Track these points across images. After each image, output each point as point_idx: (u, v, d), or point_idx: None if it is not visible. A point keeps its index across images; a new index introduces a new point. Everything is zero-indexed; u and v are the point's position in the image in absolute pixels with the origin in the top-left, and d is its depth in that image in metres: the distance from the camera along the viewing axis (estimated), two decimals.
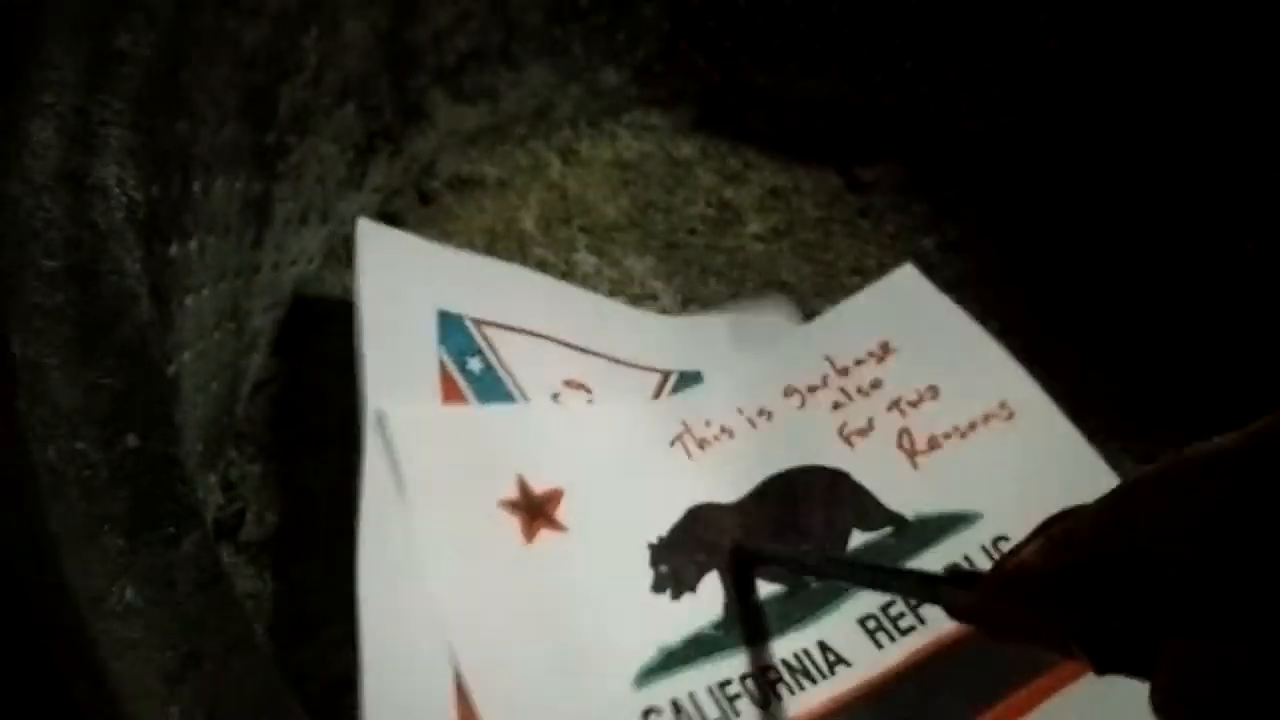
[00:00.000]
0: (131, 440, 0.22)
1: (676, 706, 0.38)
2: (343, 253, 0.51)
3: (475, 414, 0.43)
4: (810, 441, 0.47)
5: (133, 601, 0.19)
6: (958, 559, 0.45)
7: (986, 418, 0.49)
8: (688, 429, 0.46)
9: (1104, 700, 0.39)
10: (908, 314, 0.53)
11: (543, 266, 0.54)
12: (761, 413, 0.48)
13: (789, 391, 0.49)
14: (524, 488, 0.41)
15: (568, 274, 0.54)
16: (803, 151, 0.65)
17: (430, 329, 0.45)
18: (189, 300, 0.36)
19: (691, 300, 0.55)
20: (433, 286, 0.46)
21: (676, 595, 0.41)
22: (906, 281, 0.54)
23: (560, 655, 0.38)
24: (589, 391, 0.46)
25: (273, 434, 0.44)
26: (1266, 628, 0.22)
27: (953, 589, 0.31)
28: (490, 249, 0.54)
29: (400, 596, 0.37)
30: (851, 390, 0.49)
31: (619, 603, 0.41)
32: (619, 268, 0.56)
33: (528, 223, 0.57)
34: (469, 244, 0.54)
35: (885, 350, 0.51)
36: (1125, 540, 0.26)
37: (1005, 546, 0.45)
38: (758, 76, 0.63)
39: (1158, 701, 0.24)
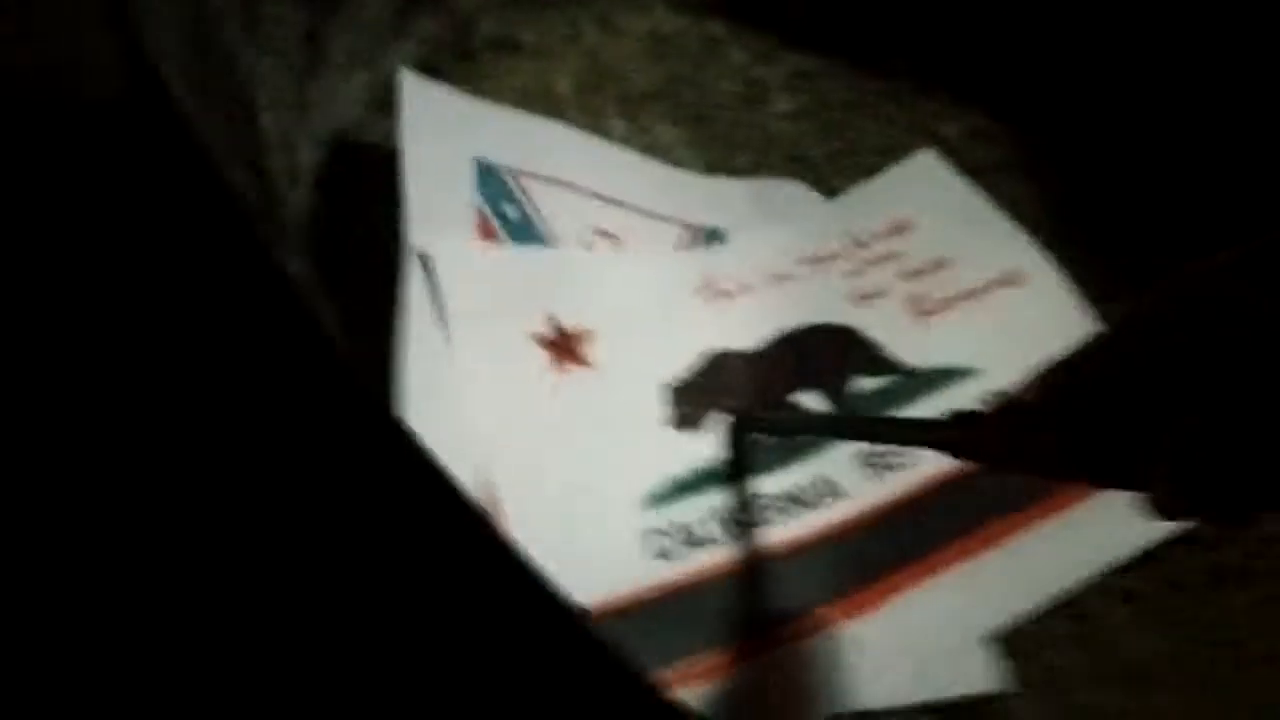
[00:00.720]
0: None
1: (679, 528, 0.42)
2: (386, 101, 0.53)
3: (511, 254, 0.46)
4: (824, 302, 0.50)
5: None
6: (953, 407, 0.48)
7: (999, 282, 0.52)
8: (709, 282, 0.49)
9: (1075, 531, 0.44)
10: (926, 195, 0.55)
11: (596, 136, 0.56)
12: (780, 276, 0.50)
13: (804, 260, 0.51)
14: (555, 324, 0.45)
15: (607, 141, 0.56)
16: (833, 36, 0.66)
17: (469, 177, 0.47)
18: (265, 117, 0.38)
19: (717, 169, 0.57)
20: (471, 137, 0.48)
21: (691, 432, 0.45)
22: (925, 165, 0.57)
23: (578, 475, 0.42)
24: (619, 240, 0.49)
25: (315, 272, 0.47)
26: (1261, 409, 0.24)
27: (953, 428, 0.34)
28: (524, 109, 0.56)
29: (441, 418, 0.40)
30: (868, 259, 0.52)
31: (635, 433, 0.44)
32: (649, 135, 0.58)
33: (562, 86, 0.58)
34: (503, 102, 0.56)
35: (902, 228, 0.53)
36: (1121, 358, 0.28)
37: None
38: None
39: (1159, 494, 0.26)
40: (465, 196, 0.46)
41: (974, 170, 0.61)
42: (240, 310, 0.25)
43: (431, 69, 0.56)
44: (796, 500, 0.45)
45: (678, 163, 0.57)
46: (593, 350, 0.45)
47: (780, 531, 0.44)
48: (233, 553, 0.31)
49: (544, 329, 0.45)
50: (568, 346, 0.44)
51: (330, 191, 0.49)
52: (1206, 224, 0.61)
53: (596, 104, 0.58)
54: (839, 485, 0.45)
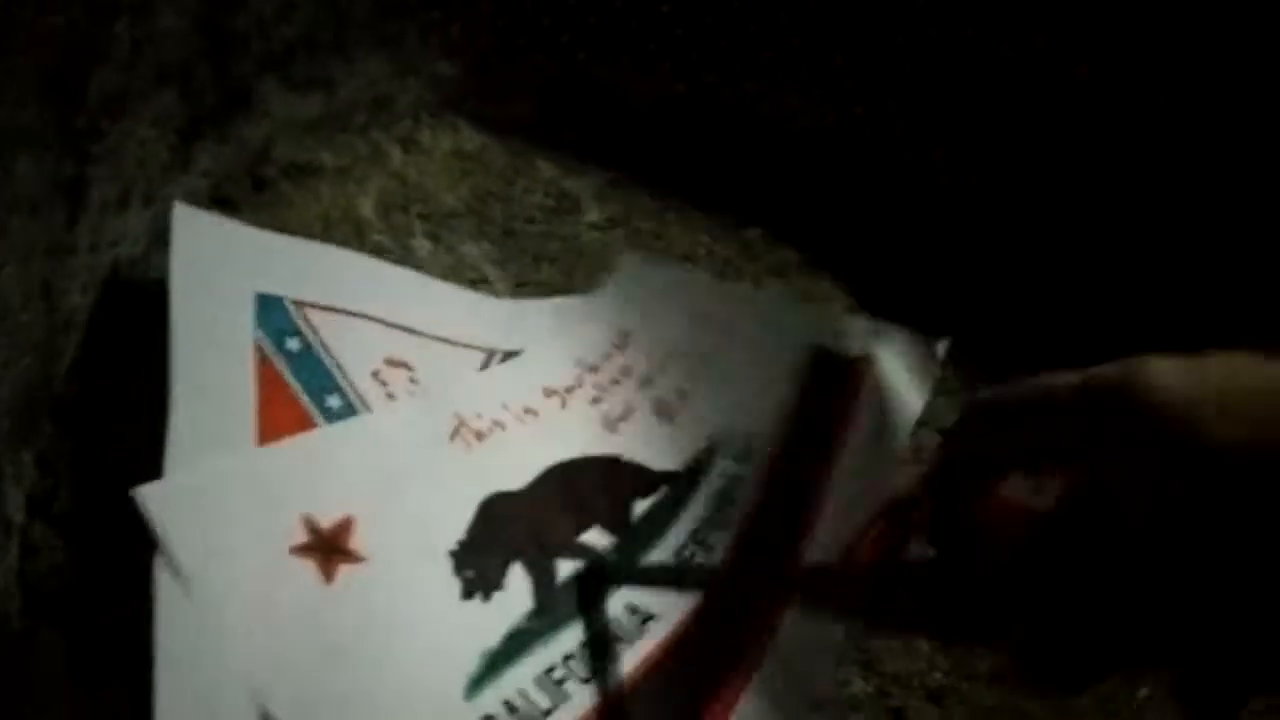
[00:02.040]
0: None
1: (510, 707, 0.40)
2: (169, 236, 0.51)
3: (244, 464, 0.41)
4: (579, 435, 0.50)
5: None
6: (726, 483, 0.50)
7: (714, 347, 0.55)
8: (463, 421, 0.47)
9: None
10: (639, 299, 0.56)
11: (379, 252, 0.55)
12: (528, 410, 0.49)
13: (548, 393, 0.51)
14: (312, 527, 0.41)
15: (404, 259, 0.56)
16: (641, 144, 0.68)
17: (246, 311, 0.45)
18: None
19: (524, 285, 0.57)
20: (252, 269, 0.47)
21: (487, 596, 0.43)
22: (632, 271, 0.58)
23: (385, 688, 0.38)
24: (410, 369, 0.48)
25: (89, 411, 0.45)
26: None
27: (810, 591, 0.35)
28: (326, 235, 0.55)
29: (202, 670, 0.36)
30: (605, 383, 0.52)
31: (433, 620, 0.41)
32: (454, 253, 0.58)
33: (365, 209, 0.58)
34: (305, 230, 0.55)
35: (624, 339, 0.54)
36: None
37: (752, 448, 0.51)
38: (594, 71, 0.66)
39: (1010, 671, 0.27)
40: (243, 332, 0.45)
41: (777, 270, 0.63)
42: None
43: (223, 200, 0.55)
44: (616, 638, 0.44)
45: (484, 279, 0.57)
46: (360, 539, 0.41)
47: (606, 677, 0.42)
48: None
49: (302, 537, 0.40)
50: (333, 546, 0.41)
51: (105, 332, 0.47)
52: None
53: (401, 225, 0.58)
54: (650, 611, 0.45)
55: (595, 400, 0.51)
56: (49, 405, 0.44)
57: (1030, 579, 0.27)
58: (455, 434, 0.47)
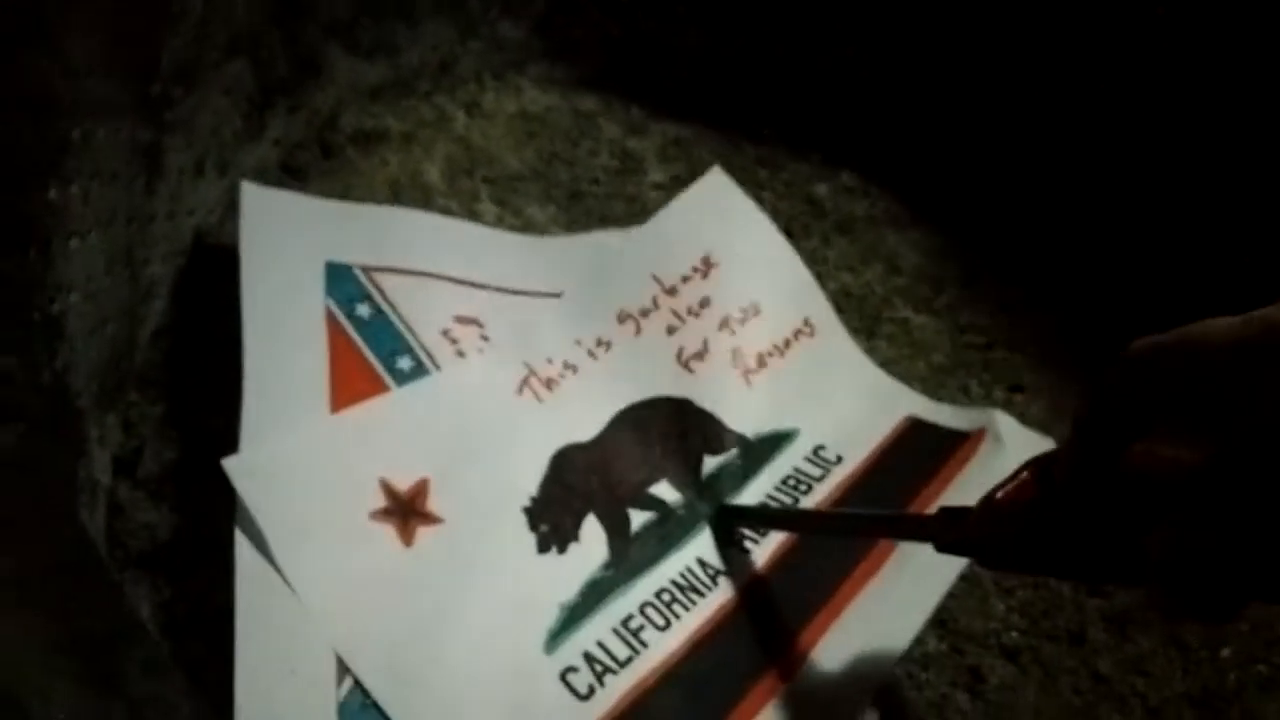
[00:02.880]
0: None
1: (589, 658, 0.41)
2: None
3: (321, 432, 0.41)
4: (651, 371, 0.49)
5: None
6: (790, 471, 0.49)
7: (797, 334, 0.53)
8: (532, 371, 0.47)
9: (907, 574, 0.45)
10: (722, 223, 0.55)
11: (446, 216, 0.56)
12: (600, 343, 0.49)
13: (622, 317, 0.50)
14: (390, 491, 0.41)
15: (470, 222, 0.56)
16: (704, 104, 0.67)
17: (317, 281, 0.46)
18: (74, 243, 0.37)
19: None
20: (319, 240, 0.47)
21: (563, 549, 0.43)
22: (717, 186, 0.56)
23: (466, 646, 0.39)
24: (480, 325, 0.48)
25: (173, 377, 0.46)
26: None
27: (943, 525, 0.35)
28: (394, 202, 0.56)
29: (281, 636, 0.36)
30: (682, 311, 0.51)
31: (511, 576, 0.42)
32: (520, 216, 0.58)
33: (432, 174, 0.58)
34: (372, 196, 0.56)
35: (708, 265, 0.53)
36: (1100, 453, 0.29)
37: (824, 454, 0.50)
38: (655, 30, 0.65)
39: (1153, 594, 0.27)
40: (313, 301, 0.45)
41: (844, 226, 0.62)
42: None
43: (294, 169, 0.56)
44: (689, 589, 0.44)
45: None
46: (436, 500, 0.42)
47: (683, 626, 0.43)
48: None
49: (380, 501, 0.41)
50: (409, 509, 0.41)
51: (185, 300, 0.48)
52: (1081, 270, 0.62)
53: (467, 189, 0.58)
54: (720, 566, 0.45)
55: (671, 330, 0.50)
56: (133, 371, 0.45)
57: (1179, 519, 0.26)
58: (523, 386, 0.47)
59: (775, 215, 0.62)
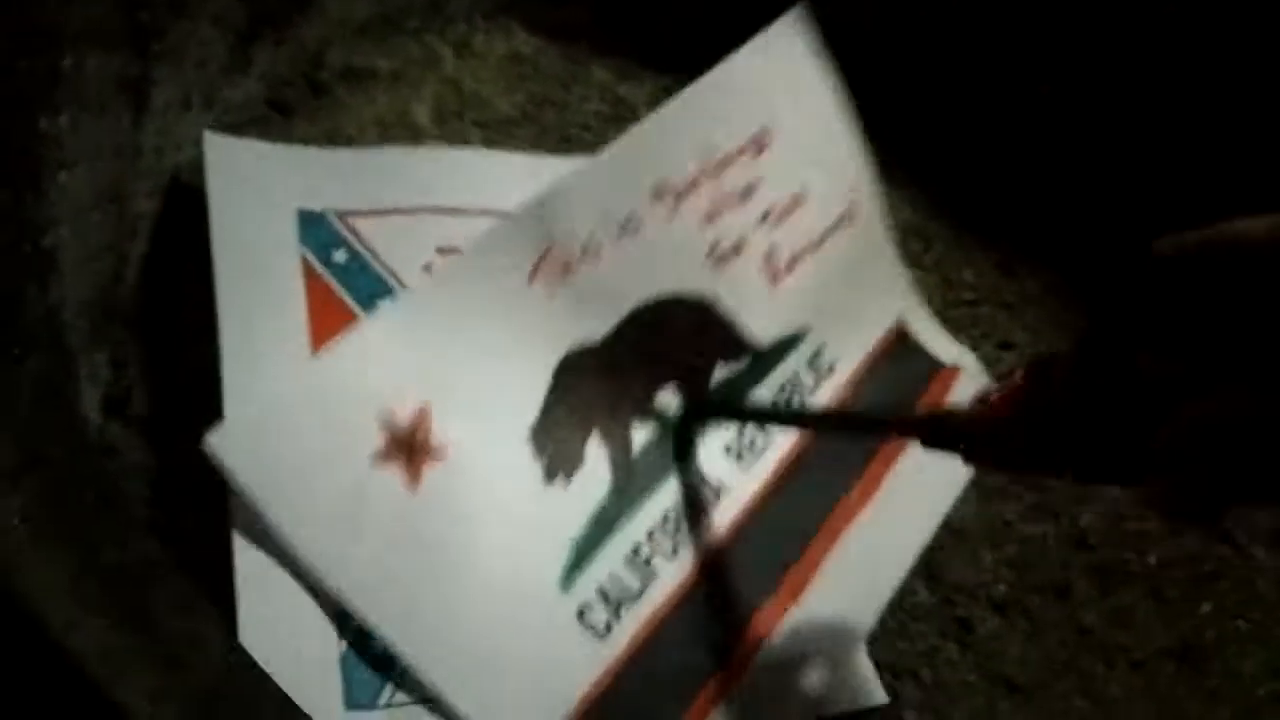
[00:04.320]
0: None
1: (603, 593, 0.41)
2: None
3: (304, 379, 0.38)
4: (678, 263, 0.45)
5: None
6: (789, 376, 0.49)
7: (839, 221, 0.51)
8: (551, 249, 0.42)
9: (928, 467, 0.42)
10: (788, 85, 0.50)
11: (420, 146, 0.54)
12: (629, 220, 0.44)
13: (659, 193, 0.45)
14: (389, 426, 0.38)
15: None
16: (696, 51, 0.66)
17: (289, 230, 0.44)
18: (63, 176, 0.36)
19: None
20: (289, 188, 0.45)
21: (569, 475, 0.42)
22: (793, 33, 0.50)
23: (484, 589, 0.38)
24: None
25: (159, 315, 0.45)
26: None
27: (924, 423, 0.34)
28: (382, 142, 0.55)
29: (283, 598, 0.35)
30: (723, 197, 0.47)
31: (521, 513, 0.40)
32: None
33: (421, 115, 0.57)
34: (360, 135, 0.54)
35: (763, 141, 0.48)
36: (1103, 353, 0.29)
37: (822, 360, 0.50)
38: None
39: (1157, 489, 0.26)
40: (288, 249, 0.43)
41: None
42: None
43: (280, 105, 0.54)
44: (696, 508, 0.44)
45: None
46: (439, 428, 0.39)
47: (689, 551, 0.43)
48: None
49: (380, 441, 0.38)
50: (413, 444, 0.39)
51: (170, 238, 0.47)
52: (1071, 228, 0.62)
53: (457, 131, 0.57)
54: (722, 482, 0.45)
55: (709, 217, 0.46)
56: (119, 309, 0.44)
57: (1193, 414, 0.26)
58: (537, 271, 0.42)
59: None
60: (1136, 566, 0.48)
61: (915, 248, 0.60)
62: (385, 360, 0.39)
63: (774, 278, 0.48)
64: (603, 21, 0.65)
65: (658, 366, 0.45)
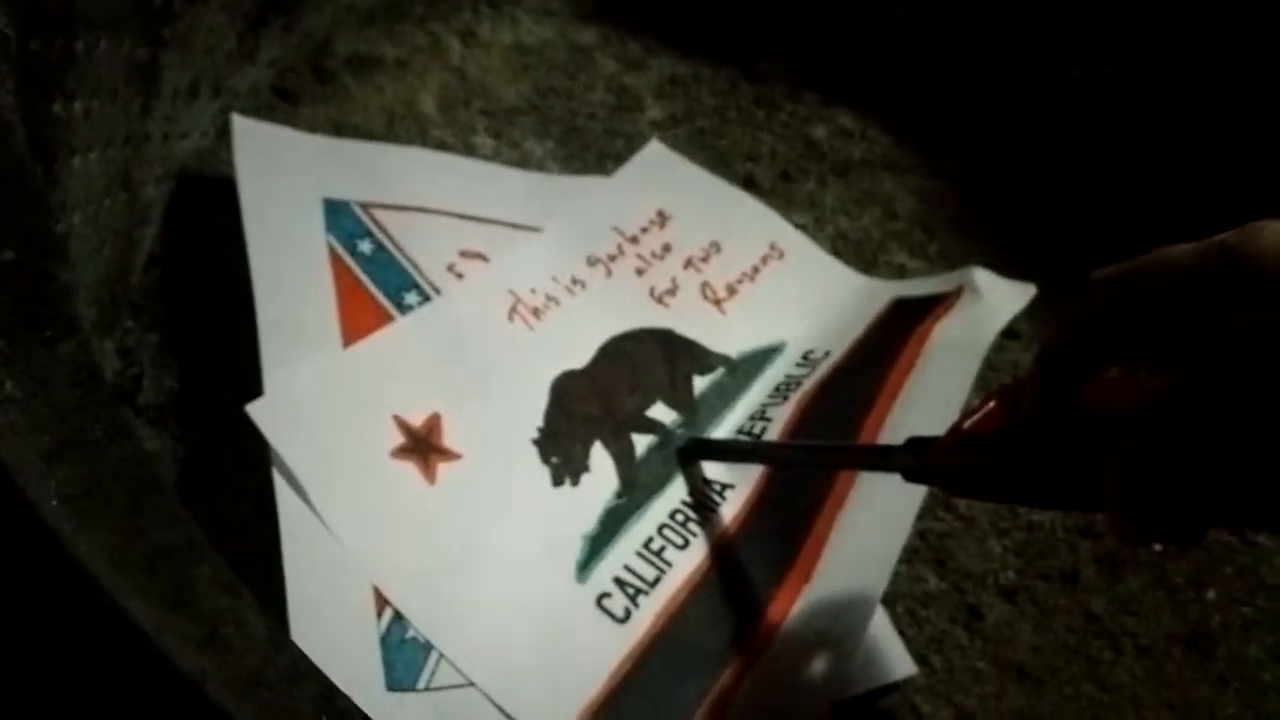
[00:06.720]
0: (8, 254, 0.23)
1: (620, 583, 0.41)
2: None
3: (334, 369, 0.41)
4: (628, 306, 0.50)
5: (12, 394, 0.21)
6: (781, 379, 0.50)
7: (764, 259, 0.55)
8: (519, 299, 0.47)
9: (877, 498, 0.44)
10: (670, 184, 0.56)
11: (441, 148, 0.54)
12: (575, 281, 0.50)
13: (591, 261, 0.51)
14: (405, 427, 0.41)
15: (466, 156, 0.55)
16: (702, 41, 0.66)
17: (316, 218, 0.45)
18: (76, 161, 0.36)
19: None
20: (315, 176, 0.46)
21: (576, 481, 0.44)
22: (657, 155, 0.57)
23: (502, 581, 0.39)
24: (485, 258, 0.48)
25: (168, 304, 0.45)
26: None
27: (909, 456, 0.35)
28: (389, 131, 0.55)
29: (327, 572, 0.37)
30: (646, 255, 0.52)
31: (533, 510, 0.42)
32: (517, 150, 0.57)
33: (427, 105, 0.57)
34: (367, 124, 0.54)
35: (663, 217, 0.54)
36: (1062, 380, 0.30)
37: (814, 358, 0.51)
38: None
39: (1111, 520, 0.28)
40: (316, 237, 0.44)
41: (841, 170, 0.62)
42: None
43: (286, 93, 0.54)
44: (700, 506, 0.44)
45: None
46: (450, 434, 0.42)
47: (700, 542, 0.43)
48: None
49: (398, 439, 0.41)
50: (427, 445, 0.41)
51: (179, 225, 0.47)
52: (1074, 220, 0.63)
53: (463, 120, 0.57)
54: (726, 479, 0.46)
55: (640, 271, 0.51)
56: (128, 297, 0.44)
57: (1140, 445, 0.26)
58: (513, 312, 0.47)
59: (773, 156, 0.62)
60: (1143, 554, 0.48)
61: (920, 237, 0.60)
62: (403, 367, 0.43)
63: (718, 304, 0.52)
64: (608, 11, 0.65)
65: (642, 385, 0.48)
